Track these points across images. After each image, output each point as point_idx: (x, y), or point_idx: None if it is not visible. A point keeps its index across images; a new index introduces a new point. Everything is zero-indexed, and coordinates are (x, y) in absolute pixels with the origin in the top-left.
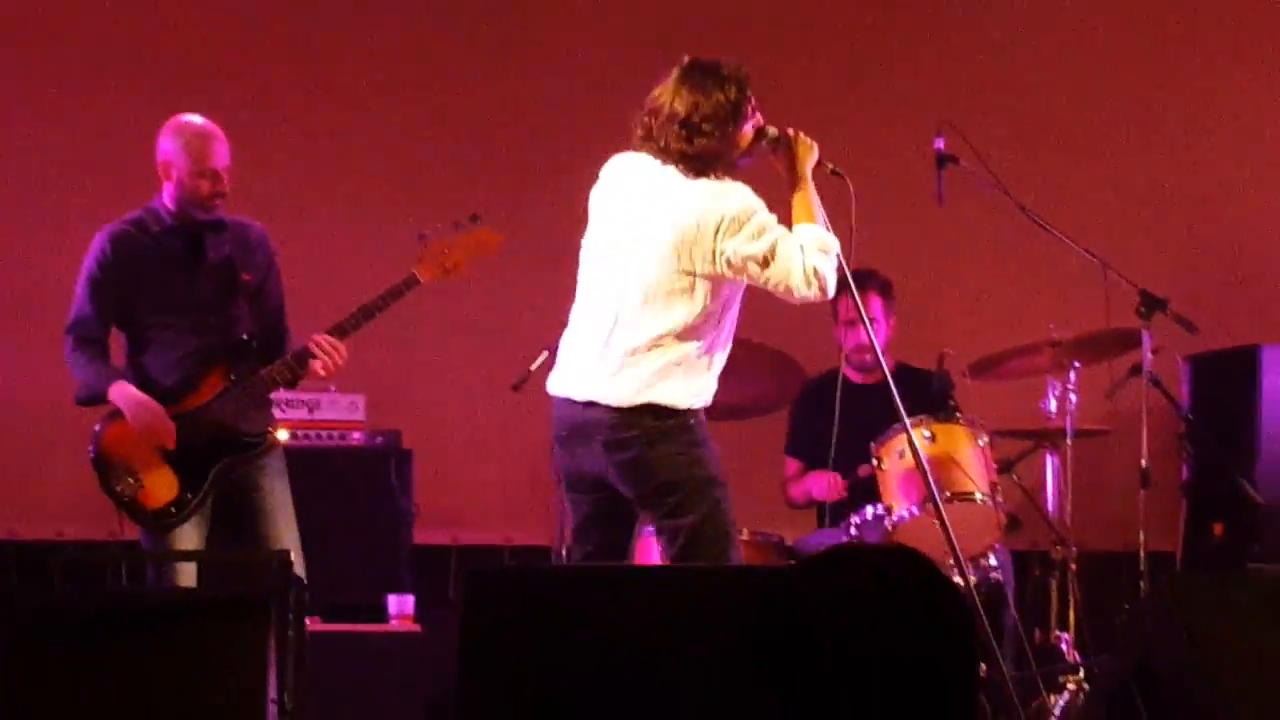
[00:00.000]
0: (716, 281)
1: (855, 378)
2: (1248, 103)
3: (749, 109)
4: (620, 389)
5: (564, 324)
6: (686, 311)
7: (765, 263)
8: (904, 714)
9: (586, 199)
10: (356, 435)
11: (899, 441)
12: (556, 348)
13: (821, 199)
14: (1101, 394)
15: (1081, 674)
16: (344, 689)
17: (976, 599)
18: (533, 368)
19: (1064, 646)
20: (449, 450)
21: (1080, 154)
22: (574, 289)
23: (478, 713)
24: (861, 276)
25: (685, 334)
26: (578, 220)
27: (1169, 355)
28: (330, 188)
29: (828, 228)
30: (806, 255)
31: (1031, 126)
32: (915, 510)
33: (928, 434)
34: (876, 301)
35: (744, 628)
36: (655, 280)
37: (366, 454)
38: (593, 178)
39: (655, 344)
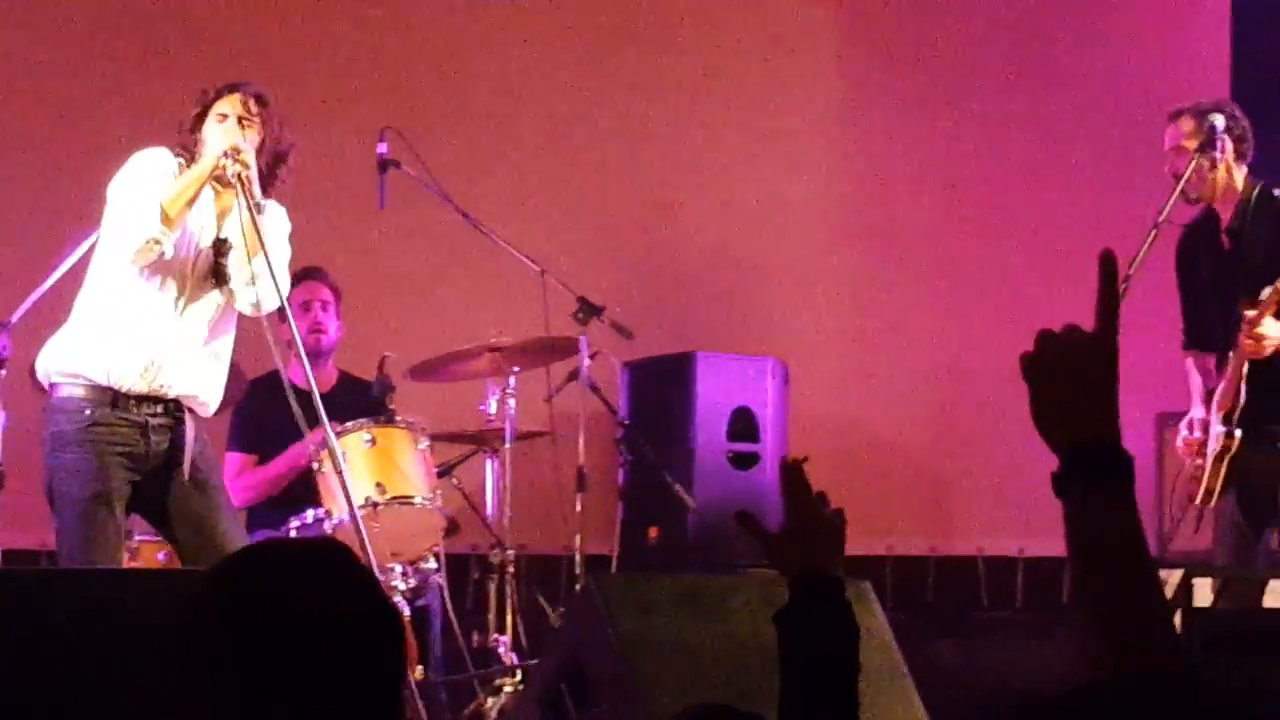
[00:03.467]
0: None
1: (300, 379)
2: (683, 119)
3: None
4: None
5: None
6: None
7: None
8: (326, 716)
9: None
10: None
11: (339, 445)
12: None
13: None
14: (541, 398)
15: (519, 676)
16: None
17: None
18: None
19: (502, 649)
20: None
21: (523, 162)
22: None
23: None
24: (313, 270)
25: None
26: None
27: (608, 361)
28: None
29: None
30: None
31: (477, 135)
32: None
33: (368, 437)
34: (327, 290)
35: (161, 630)
36: None
37: None
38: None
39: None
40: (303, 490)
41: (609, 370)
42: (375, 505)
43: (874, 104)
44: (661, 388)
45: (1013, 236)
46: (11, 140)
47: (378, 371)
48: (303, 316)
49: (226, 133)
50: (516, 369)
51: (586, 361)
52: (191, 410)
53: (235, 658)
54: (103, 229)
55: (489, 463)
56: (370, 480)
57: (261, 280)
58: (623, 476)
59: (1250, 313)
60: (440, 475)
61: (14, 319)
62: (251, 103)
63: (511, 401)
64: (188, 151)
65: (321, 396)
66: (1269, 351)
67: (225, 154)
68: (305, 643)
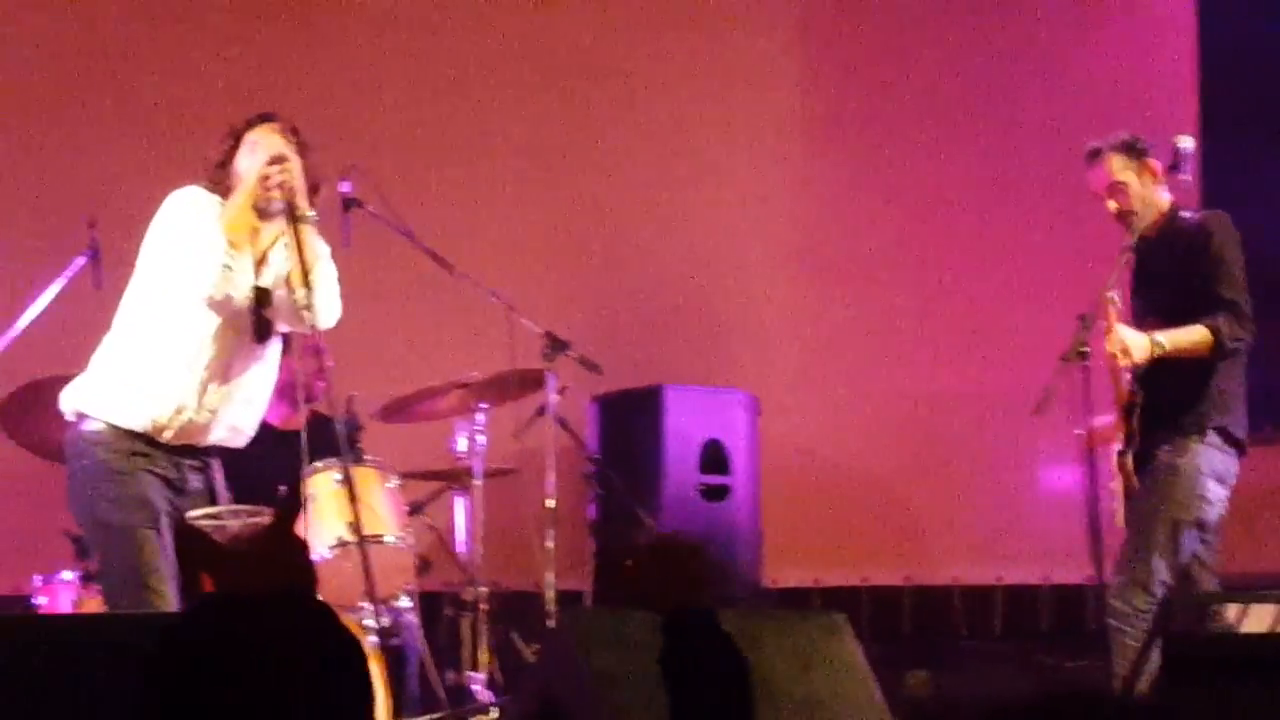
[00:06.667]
0: (144, 277)
1: (275, 422)
2: (648, 154)
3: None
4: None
5: None
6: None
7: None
8: None
9: None
10: None
11: (310, 485)
12: None
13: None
14: (509, 435)
15: (493, 714)
16: None
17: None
18: None
19: (476, 687)
20: None
21: (488, 197)
22: None
23: None
24: None
25: (118, 337)
26: None
27: (576, 396)
28: None
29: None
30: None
31: (441, 173)
32: (327, 554)
33: (338, 477)
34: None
35: (135, 677)
36: None
37: None
38: None
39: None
40: None
41: (578, 405)
42: (346, 545)
43: (838, 134)
44: (631, 421)
45: (982, 262)
46: None
47: (345, 411)
48: (312, 359)
49: (269, 144)
50: (485, 405)
51: (554, 396)
52: (221, 453)
53: (199, 707)
54: (141, 276)
55: (459, 500)
56: (341, 520)
57: (315, 296)
58: (594, 511)
59: (1104, 322)
60: (411, 513)
61: None
62: (288, 132)
63: (480, 438)
64: (221, 186)
65: (293, 433)
66: (1140, 357)
67: (270, 160)
68: (270, 691)
